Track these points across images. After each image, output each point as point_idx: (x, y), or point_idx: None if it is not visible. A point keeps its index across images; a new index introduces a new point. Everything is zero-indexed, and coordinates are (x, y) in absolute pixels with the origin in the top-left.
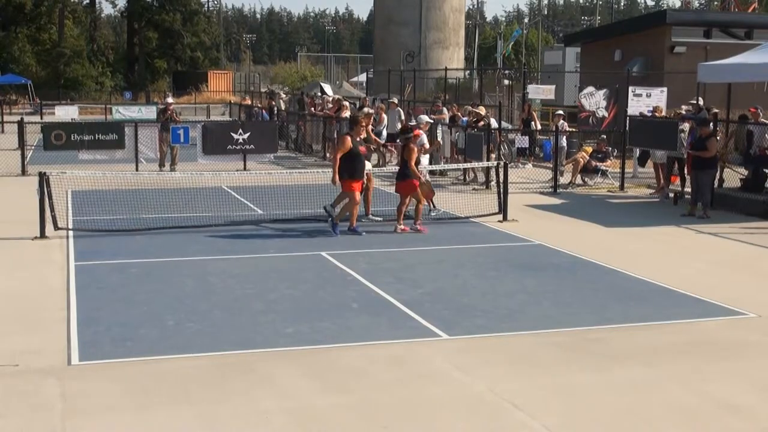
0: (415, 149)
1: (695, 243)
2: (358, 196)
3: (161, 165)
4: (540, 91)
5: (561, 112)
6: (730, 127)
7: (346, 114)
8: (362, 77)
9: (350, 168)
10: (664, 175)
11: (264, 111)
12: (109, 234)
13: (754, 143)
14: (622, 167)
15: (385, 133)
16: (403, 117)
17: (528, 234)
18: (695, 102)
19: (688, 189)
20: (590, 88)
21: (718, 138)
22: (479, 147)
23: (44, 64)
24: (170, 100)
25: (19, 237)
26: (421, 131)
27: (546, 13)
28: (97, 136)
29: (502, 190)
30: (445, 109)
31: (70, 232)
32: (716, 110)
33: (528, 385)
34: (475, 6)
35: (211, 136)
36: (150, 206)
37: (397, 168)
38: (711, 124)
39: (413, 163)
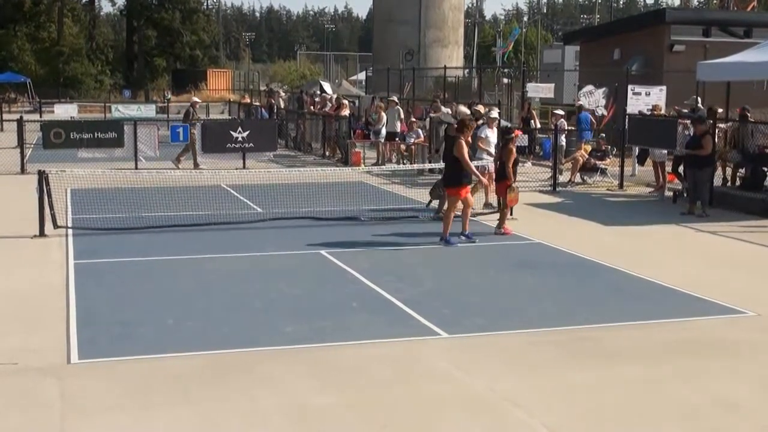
0: (514, 150)
1: (694, 241)
2: (459, 203)
3: (196, 165)
4: (539, 90)
5: (560, 111)
6: (728, 126)
7: (346, 112)
8: (361, 75)
9: (460, 172)
10: (663, 174)
11: (263, 109)
12: (108, 232)
13: (750, 141)
14: (622, 166)
15: (384, 131)
16: (402, 115)
17: (527, 232)
18: (691, 102)
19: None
20: (589, 87)
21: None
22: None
23: (43, 62)
24: (196, 99)
25: (18, 235)
26: (519, 131)
27: (545, 11)
28: (96, 134)
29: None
30: (443, 108)
31: (70, 231)
32: (720, 109)
33: (527, 384)
34: (475, 4)
35: (210, 134)
36: (149, 205)
37: (490, 167)
38: (706, 122)
39: (511, 165)
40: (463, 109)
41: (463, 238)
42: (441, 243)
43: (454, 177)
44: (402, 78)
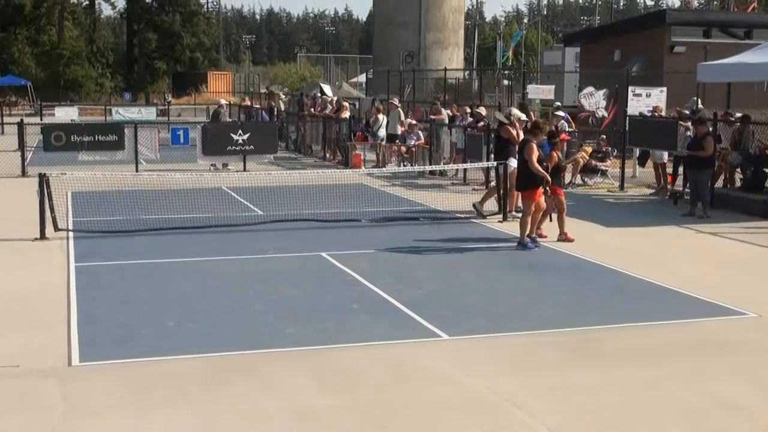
0: (558, 155)
1: (695, 243)
2: (533, 207)
3: (224, 165)
4: (540, 92)
5: (561, 113)
6: (728, 128)
7: (346, 115)
8: (362, 78)
9: (532, 175)
10: (663, 175)
11: (263, 112)
12: (109, 235)
13: (752, 142)
14: (622, 167)
15: (383, 133)
16: (402, 117)
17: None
18: (691, 105)
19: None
20: (590, 88)
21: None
22: (479, 147)
23: (44, 65)
24: (223, 101)
25: (19, 238)
26: (566, 135)
27: (545, 13)
28: (96, 137)
29: (502, 191)
30: (443, 110)
31: (71, 233)
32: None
33: (528, 386)
34: (475, 6)
35: (210, 136)
36: (150, 207)
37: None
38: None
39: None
40: (516, 111)
41: (533, 243)
42: (518, 248)
43: (526, 180)
44: (402, 80)
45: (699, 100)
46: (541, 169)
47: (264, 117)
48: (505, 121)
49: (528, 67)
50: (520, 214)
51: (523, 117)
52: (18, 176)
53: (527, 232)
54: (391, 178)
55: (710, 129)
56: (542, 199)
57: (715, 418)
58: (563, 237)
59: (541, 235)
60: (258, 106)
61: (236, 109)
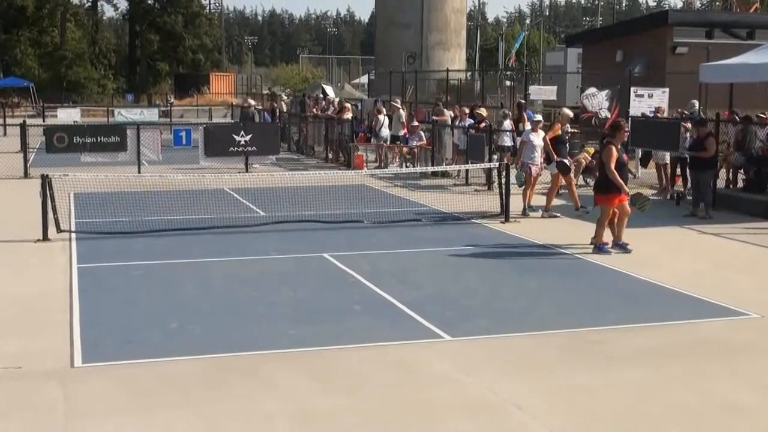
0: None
1: (698, 243)
2: (610, 212)
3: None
4: (542, 92)
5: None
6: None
7: (348, 116)
8: (364, 79)
9: (608, 179)
10: (666, 176)
11: (266, 113)
12: (111, 236)
13: (754, 143)
14: None
15: (387, 133)
16: (404, 119)
17: (530, 235)
18: (689, 107)
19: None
20: (592, 89)
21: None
22: (481, 148)
23: (46, 66)
24: (252, 101)
25: (21, 239)
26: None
27: (548, 14)
28: (99, 138)
29: (504, 191)
30: (446, 111)
31: (73, 235)
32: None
33: (530, 387)
34: (477, 7)
35: (213, 138)
36: (152, 208)
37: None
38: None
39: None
40: (567, 111)
41: (617, 248)
42: (594, 251)
43: (604, 183)
44: (404, 81)
45: (697, 103)
46: (618, 178)
47: (266, 118)
48: (568, 113)
49: (530, 68)
50: (537, 213)
51: (571, 114)
52: (21, 177)
53: (602, 235)
54: (393, 179)
55: (711, 130)
56: (627, 203)
57: (718, 420)
58: (621, 244)
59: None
60: (260, 107)
61: (239, 110)
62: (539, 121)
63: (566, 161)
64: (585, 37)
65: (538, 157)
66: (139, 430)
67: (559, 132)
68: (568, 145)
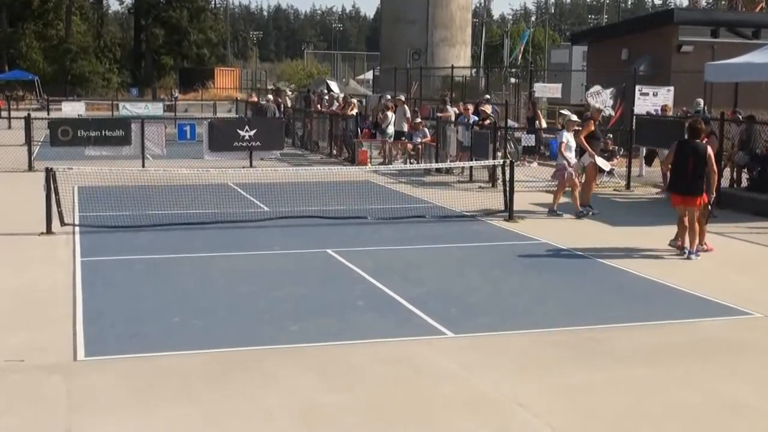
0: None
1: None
2: (697, 213)
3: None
4: (547, 90)
5: (566, 111)
6: (731, 128)
7: (353, 112)
8: (369, 75)
9: (703, 180)
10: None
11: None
12: (115, 230)
13: (759, 142)
14: (629, 166)
15: (392, 130)
16: (409, 115)
17: (534, 233)
18: (695, 106)
19: None
20: (597, 87)
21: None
22: (485, 145)
23: (51, 60)
24: (270, 97)
25: (25, 233)
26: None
27: (553, 11)
28: (103, 132)
29: (508, 189)
30: (450, 108)
31: (77, 228)
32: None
33: (532, 385)
34: (482, 4)
35: (217, 132)
36: (156, 203)
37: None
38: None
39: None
40: (596, 104)
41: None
42: (687, 256)
43: (698, 185)
44: (409, 77)
45: (702, 102)
46: (715, 178)
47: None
48: (574, 117)
49: (535, 65)
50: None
51: (601, 107)
52: (25, 171)
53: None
54: (397, 176)
55: (713, 130)
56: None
57: (719, 418)
58: (703, 248)
59: (707, 249)
60: (265, 102)
61: (243, 105)
62: (575, 121)
63: (602, 163)
64: (590, 35)
65: (573, 157)
66: (142, 424)
67: (593, 128)
68: (601, 141)
